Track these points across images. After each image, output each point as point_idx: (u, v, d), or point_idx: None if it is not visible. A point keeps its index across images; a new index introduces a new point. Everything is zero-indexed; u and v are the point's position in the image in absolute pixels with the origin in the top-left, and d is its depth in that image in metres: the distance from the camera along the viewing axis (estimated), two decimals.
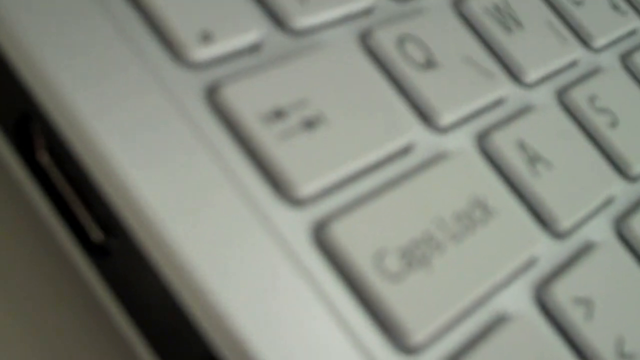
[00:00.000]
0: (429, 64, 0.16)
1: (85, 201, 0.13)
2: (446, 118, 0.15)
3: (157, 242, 0.12)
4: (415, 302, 0.13)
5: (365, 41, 0.15)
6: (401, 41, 0.16)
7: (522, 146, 0.16)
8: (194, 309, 0.12)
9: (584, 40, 0.20)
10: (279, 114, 0.13)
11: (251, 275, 0.12)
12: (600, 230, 0.16)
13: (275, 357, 0.11)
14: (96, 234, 0.13)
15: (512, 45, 0.18)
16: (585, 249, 0.16)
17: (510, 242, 0.15)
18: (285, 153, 0.13)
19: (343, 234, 0.13)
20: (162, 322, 0.13)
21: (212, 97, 0.13)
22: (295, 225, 0.13)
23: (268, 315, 0.12)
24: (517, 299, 0.14)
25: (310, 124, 0.13)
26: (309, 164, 0.13)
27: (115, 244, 0.13)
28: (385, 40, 0.15)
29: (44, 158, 0.13)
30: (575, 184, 0.17)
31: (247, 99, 0.13)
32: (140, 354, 0.13)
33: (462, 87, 0.16)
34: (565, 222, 0.16)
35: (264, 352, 0.11)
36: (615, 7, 0.21)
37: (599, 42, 0.20)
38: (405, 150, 0.15)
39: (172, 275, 0.12)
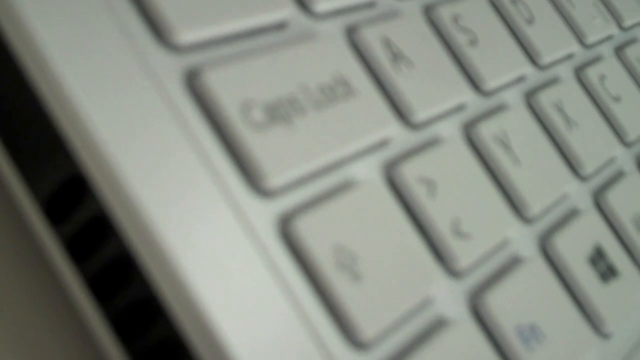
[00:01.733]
0: None
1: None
2: (322, 6, 0.17)
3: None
4: (274, 152, 0.14)
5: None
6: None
7: (387, 44, 0.18)
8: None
9: None
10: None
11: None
12: (449, 128, 0.18)
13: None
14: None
15: None
16: (434, 141, 0.17)
17: (366, 120, 0.16)
18: None
19: (214, 82, 0.14)
20: None
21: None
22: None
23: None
24: (367, 171, 0.16)
25: None
26: None
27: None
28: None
29: None
30: (433, 85, 0.18)
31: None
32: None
33: None
34: (419, 115, 0.17)
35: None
36: None
37: None
38: (280, 26, 0.16)
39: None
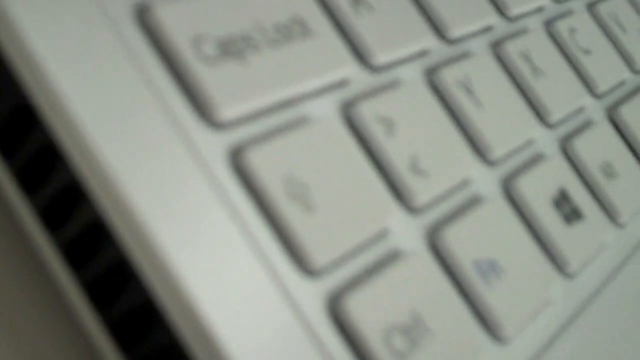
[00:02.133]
0: None
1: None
2: None
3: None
4: (226, 85, 0.14)
5: None
6: None
7: None
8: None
9: None
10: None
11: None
12: (410, 73, 0.18)
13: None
14: None
15: None
16: (394, 83, 0.18)
17: (324, 60, 0.16)
18: None
19: (166, 17, 0.14)
20: None
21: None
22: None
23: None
24: (324, 109, 0.16)
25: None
26: None
27: None
28: None
29: None
30: (394, 30, 0.18)
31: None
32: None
33: None
34: (379, 57, 0.17)
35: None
36: None
37: None
38: None
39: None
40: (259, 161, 0.14)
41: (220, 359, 0.13)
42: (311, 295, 0.14)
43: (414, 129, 0.17)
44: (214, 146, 0.14)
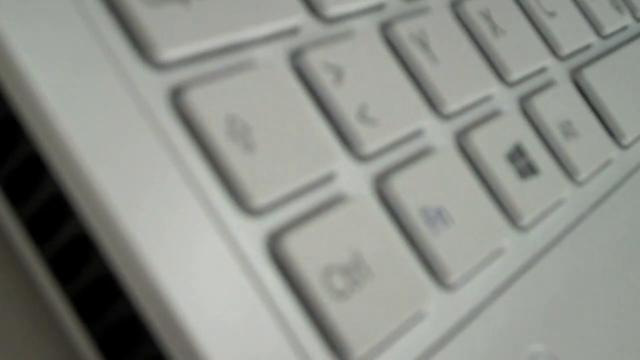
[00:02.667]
0: None
1: None
2: None
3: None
4: (167, 27, 0.14)
5: None
6: None
7: None
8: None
9: None
10: None
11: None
12: (364, 25, 0.18)
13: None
14: None
15: None
16: (346, 34, 0.18)
17: (273, 8, 0.16)
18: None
19: None
20: None
21: None
22: None
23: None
24: (272, 55, 0.16)
25: None
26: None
27: None
28: None
29: None
30: None
31: None
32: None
33: None
34: (332, 8, 0.17)
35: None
36: None
37: None
38: None
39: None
40: (200, 101, 0.14)
41: (157, 294, 0.13)
42: (250, 234, 0.14)
43: (364, 79, 0.17)
44: (154, 86, 0.14)
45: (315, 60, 0.16)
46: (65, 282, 0.14)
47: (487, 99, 0.20)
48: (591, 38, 0.25)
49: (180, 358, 0.13)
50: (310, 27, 0.17)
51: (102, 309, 0.14)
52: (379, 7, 0.19)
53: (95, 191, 0.13)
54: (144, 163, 0.13)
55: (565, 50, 0.24)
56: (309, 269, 0.14)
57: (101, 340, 0.14)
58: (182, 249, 0.13)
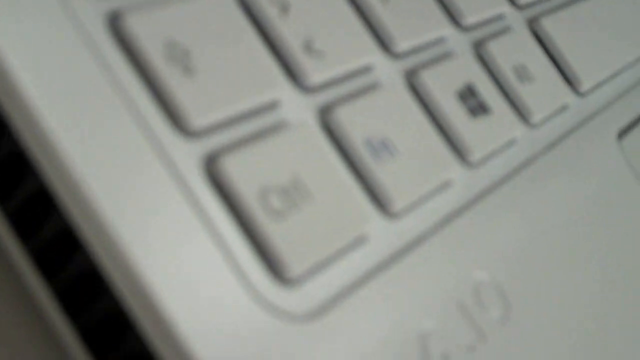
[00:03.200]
0: None
1: None
2: None
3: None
4: None
5: None
6: None
7: None
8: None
9: None
10: None
11: None
12: None
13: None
14: None
15: None
16: None
17: None
18: None
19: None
20: None
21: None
22: None
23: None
24: None
25: None
26: None
27: None
28: None
29: None
30: None
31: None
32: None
33: None
34: None
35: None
36: None
37: None
38: None
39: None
40: (137, 25, 0.14)
41: (87, 206, 0.13)
42: (187, 155, 0.14)
43: (311, 13, 0.17)
44: (93, 13, 0.14)
45: None
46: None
47: (439, 41, 0.20)
48: None
49: (116, 274, 0.13)
50: None
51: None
52: None
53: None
54: (79, 80, 0.13)
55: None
56: (246, 189, 0.14)
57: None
58: (118, 170, 0.13)
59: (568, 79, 0.23)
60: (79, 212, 0.13)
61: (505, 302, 0.17)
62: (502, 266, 0.18)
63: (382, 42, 0.19)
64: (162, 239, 0.13)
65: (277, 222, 0.14)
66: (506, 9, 0.23)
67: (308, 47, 0.17)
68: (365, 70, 0.18)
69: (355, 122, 0.17)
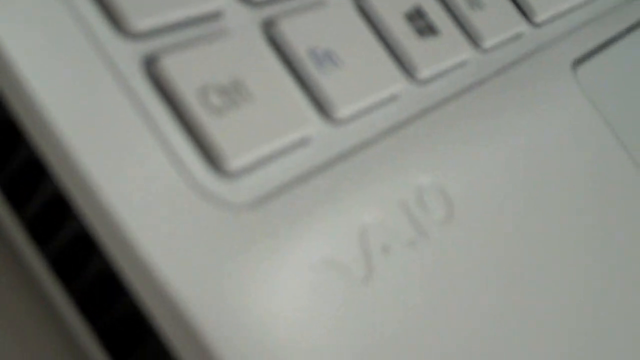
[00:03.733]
0: None
1: None
2: None
3: None
4: None
5: None
6: None
7: None
8: None
9: None
10: None
11: None
12: None
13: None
14: None
15: None
16: None
17: None
18: None
19: None
20: None
21: None
22: None
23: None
24: None
25: None
26: None
27: None
28: None
29: None
30: None
31: None
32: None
33: None
34: None
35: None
36: None
37: None
38: None
39: None
40: None
41: (31, 103, 0.13)
42: (129, 56, 0.15)
43: None
44: None
45: None
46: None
47: None
48: None
49: (61, 169, 0.14)
50: None
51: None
52: None
53: None
54: None
55: None
56: (186, 87, 0.15)
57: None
58: (58, 67, 0.14)
59: (522, 10, 0.24)
60: (21, 108, 0.14)
61: (449, 205, 0.18)
62: (447, 172, 0.18)
63: None
64: (104, 138, 0.14)
65: (216, 117, 0.15)
66: None
67: None
68: None
69: (298, 32, 0.17)
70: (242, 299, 0.14)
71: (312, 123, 0.16)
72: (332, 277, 0.15)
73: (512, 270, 0.19)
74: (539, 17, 0.24)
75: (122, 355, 0.15)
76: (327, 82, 0.17)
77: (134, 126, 0.14)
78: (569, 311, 0.19)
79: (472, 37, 0.21)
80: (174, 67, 0.15)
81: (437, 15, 0.21)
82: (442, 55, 0.20)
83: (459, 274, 0.17)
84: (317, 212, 0.16)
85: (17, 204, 0.15)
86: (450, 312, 0.17)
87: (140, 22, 0.15)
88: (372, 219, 0.16)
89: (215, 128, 0.15)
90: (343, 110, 0.17)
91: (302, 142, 0.16)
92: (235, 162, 0.15)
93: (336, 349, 0.14)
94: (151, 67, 0.15)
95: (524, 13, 0.24)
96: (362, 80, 0.18)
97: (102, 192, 0.14)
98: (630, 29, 0.27)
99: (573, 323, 0.20)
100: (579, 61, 0.25)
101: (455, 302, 0.17)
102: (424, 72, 0.19)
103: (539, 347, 0.18)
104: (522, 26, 0.23)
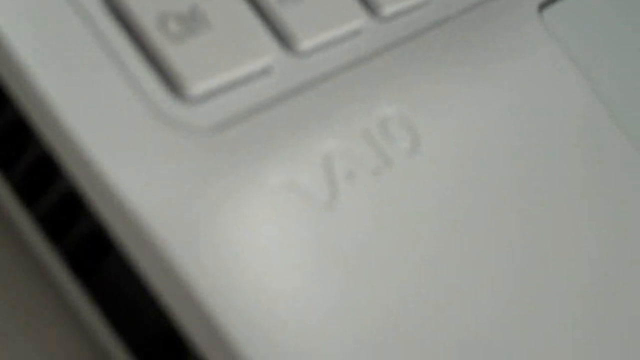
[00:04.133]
0: None
1: None
2: None
3: None
4: None
5: None
6: None
7: None
8: None
9: None
10: None
11: None
12: None
13: None
14: None
15: None
16: None
17: None
18: None
19: None
20: None
21: None
22: None
23: None
24: None
25: None
26: None
27: None
28: None
29: None
30: None
31: None
32: None
33: None
34: None
35: None
36: None
37: None
38: None
39: None
40: None
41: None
42: None
43: None
44: None
45: None
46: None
47: None
48: None
49: (24, 99, 0.14)
50: None
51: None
52: None
53: None
54: None
55: None
56: (144, 14, 0.15)
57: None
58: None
59: None
60: None
61: (414, 136, 0.18)
62: (412, 104, 0.18)
63: None
64: (63, 64, 0.14)
65: (175, 44, 0.15)
66: None
67: None
68: None
69: None
70: (204, 219, 0.14)
71: (273, 53, 0.16)
72: (295, 199, 0.15)
73: (478, 207, 0.19)
74: None
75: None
76: (289, 15, 0.17)
77: (94, 54, 0.14)
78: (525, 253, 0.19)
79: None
80: None
81: None
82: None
83: (423, 204, 0.17)
84: (279, 137, 0.16)
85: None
86: (413, 240, 0.17)
87: None
88: (336, 146, 0.16)
89: (174, 54, 0.15)
90: (305, 42, 0.17)
91: (264, 72, 0.16)
92: (195, 87, 0.15)
93: (295, 269, 0.15)
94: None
95: None
96: (324, 14, 0.18)
97: (62, 116, 0.14)
98: None
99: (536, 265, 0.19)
100: (545, 4, 0.25)
101: (419, 230, 0.17)
102: (387, 9, 0.19)
103: (494, 274, 0.18)
104: None
